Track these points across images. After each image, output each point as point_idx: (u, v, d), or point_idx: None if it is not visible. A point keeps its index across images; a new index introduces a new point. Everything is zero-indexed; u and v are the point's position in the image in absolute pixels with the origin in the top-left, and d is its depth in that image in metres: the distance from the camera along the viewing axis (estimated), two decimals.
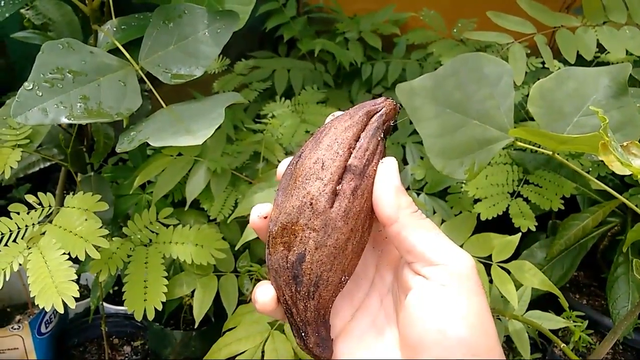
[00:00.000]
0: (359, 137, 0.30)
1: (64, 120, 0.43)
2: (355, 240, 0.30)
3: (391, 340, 0.31)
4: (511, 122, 0.54)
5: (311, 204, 0.29)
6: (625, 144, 0.41)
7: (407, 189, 0.85)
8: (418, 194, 0.83)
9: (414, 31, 1.03)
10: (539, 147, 0.57)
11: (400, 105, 0.32)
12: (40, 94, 0.44)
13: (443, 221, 0.65)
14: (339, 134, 0.30)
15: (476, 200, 0.78)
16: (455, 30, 1.00)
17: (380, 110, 0.31)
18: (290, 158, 0.32)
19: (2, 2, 0.66)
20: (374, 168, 0.30)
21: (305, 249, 0.29)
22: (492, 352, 0.27)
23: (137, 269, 0.59)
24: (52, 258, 0.48)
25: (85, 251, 0.50)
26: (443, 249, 0.28)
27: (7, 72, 1.29)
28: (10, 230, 0.52)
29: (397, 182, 0.30)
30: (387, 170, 0.30)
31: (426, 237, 0.29)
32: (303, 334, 0.30)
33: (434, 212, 0.81)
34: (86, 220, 0.52)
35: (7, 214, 0.54)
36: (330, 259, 0.29)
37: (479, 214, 0.71)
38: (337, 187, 0.29)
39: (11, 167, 0.54)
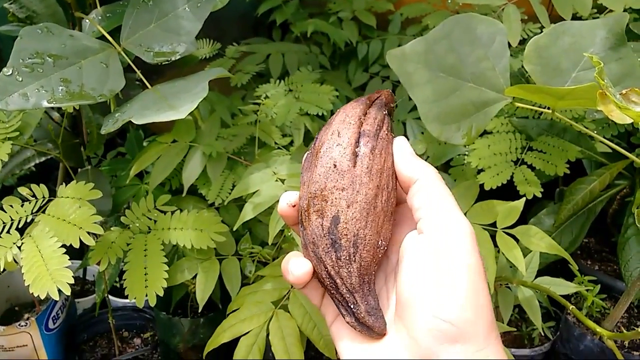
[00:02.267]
0: (367, 112, 0.33)
1: (45, 104, 0.42)
2: (384, 199, 0.31)
3: (389, 315, 0.31)
4: (507, 82, 0.53)
5: (335, 166, 0.30)
6: (624, 91, 0.40)
7: None
8: None
9: (409, 6, 1.01)
10: (541, 108, 0.55)
11: (394, 92, 0.35)
12: (20, 79, 0.43)
13: None
14: (347, 111, 0.33)
15: (479, 171, 0.76)
16: (449, 1, 0.98)
17: (380, 96, 0.35)
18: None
19: None
20: (386, 132, 0.33)
21: (338, 210, 0.30)
22: (481, 307, 0.28)
23: (137, 257, 0.59)
24: (46, 246, 0.48)
25: (81, 240, 0.50)
26: (447, 210, 0.29)
27: None
28: (4, 223, 0.51)
29: (411, 150, 0.33)
30: (401, 142, 0.33)
31: (438, 197, 0.30)
32: (352, 305, 0.30)
33: None
34: (80, 207, 0.52)
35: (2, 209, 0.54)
36: (364, 214, 0.30)
37: (482, 183, 0.69)
38: (356, 149, 0.31)
39: (2, 160, 0.54)
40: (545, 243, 0.61)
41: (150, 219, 0.63)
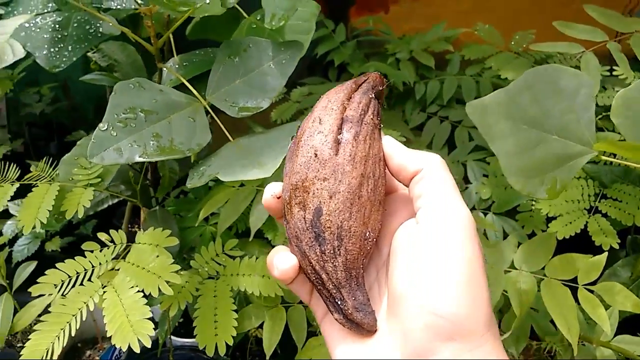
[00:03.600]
0: (351, 97, 0.31)
1: (138, 159, 0.43)
2: (369, 188, 0.29)
3: (381, 310, 0.29)
4: (593, 135, 0.51)
5: (316, 155, 0.29)
6: None
7: (473, 208, 0.81)
8: (485, 214, 0.80)
9: (469, 47, 1.00)
10: (620, 160, 0.53)
11: (385, 75, 0.33)
12: (115, 134, 0.45)
13: (519, 244, 0.61)
14: (330, 97, 0.31)
15: (549, 219, 0.73)
16: (512, 43, 0.97)
17: (367, 79, 0.32)
18: None
19: (70, 46, 0.69)
20: (371, 117, 0.31)
21: (320, 201, 0.28)
22: (479, 302, 0.26)
23: (207, 303, 0.59)
24: (127, 296, 0.48)
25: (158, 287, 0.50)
26: (447, 199, 0.28)
27: (71, 112, 1.36)
28: (85, 269, 0.53)
29: (399, 144, 0.31)
30: (389, 138, 0.31)
31: (439, 187, 0.28)
32: (339, 302, 0.29)
33: (504, 233, 0.77)
34: (157, 256, 0.52)
35: (78, 251, 0.55)
36: (347, 205, 0.28)
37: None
38: (339, 137, 0.29)
39: (84, 206, 0.55)
40: (631, 302, 0.57)
41: (219, 264, 0.64)
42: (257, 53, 0.50)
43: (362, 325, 0.28)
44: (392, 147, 0.31)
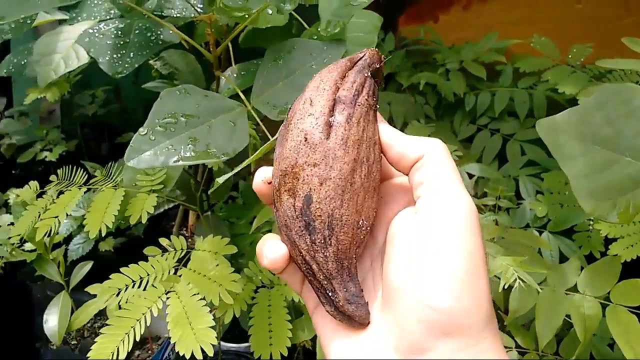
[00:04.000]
0: (345, 76, 0.29)
1: (172, 163, 0.43)
2: (363, 174, 0.27)
3: (376, 301, 0.28)
4: None
5: (306, 139, 0.27)
6: None
7: (527, 226, 0.79)
8: (540, 233, 0.78)
9: (525, 59, 0.98)
10: None
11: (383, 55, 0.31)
12: (153, 138, 0.45)
13: (582, 268, 0.59)
14: (323, 76, 0.29)
15: (608, 240, 0.71)
16: (570, 56, 0.95)
17: (363, 56, 0.30)
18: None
19: (131, 53, 0.71)
20: (365, 97, 0.29)
21: (310, 188, 0.27)
22: (479, 296, 0.24)
23: (261, 312, 0.59)
24: (190, 304, 0.49)
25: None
26: (448, 187, 0.26)
27: (121, 115, 1.40)
28: (148, 274, 0.54)
29: (395, 132, 0.29)
30: (388, 128, 0.30)
31: (442, 176, 0.27)
32: (330, 293, 0.27)
33: (560, 253, 0.75)
34: (218, 265, 0.53)
35: (130, 252, 0.56)
36: (338, 192, 0.27)
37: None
38: (330, 119, 0.28)
39: (147, 212, 0.56)
40: None
41: (273, 273, 0.64)
42: (301, 54, 0.50)
43: (353, 318, 0.27)
44: (391, 135, 0.29)
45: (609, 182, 0.49)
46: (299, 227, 0.27)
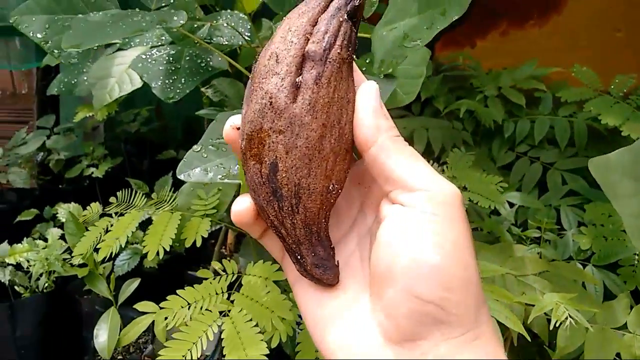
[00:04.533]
0: (317, 22, 0.26)
1: (219, 180, 0.45)
2: (333, 139, 0.26)
3: (361, 282, 0.28)
4: None
5: (271, 103, 0.25)
6: None
7: (570, 258, 0.79)
8: (584, 266, 0.77)
9: (566, 88, 0.98)
10: None
11: None
12: (206, 156, 0.47)
13: (632, 307, 0.58)
14: (292, 22, 0.26)
15: None
16: (612, 87, 0.94)
17: None
18: None
19: (183, 79, 0.73)
20: (338, 51, 0.26)
21: (276, 156, 0.25)
22: (468, 285, 0.24)
23: (308, 339, 0.60)
24: (244, 329, 0.51)
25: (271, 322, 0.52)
26: (424, 175, 0.26)
27: (162, 132, 1.44)
28: (203, 297, 0.55)
29: (376, 103, 0.26)
30: (366, 91, 0.27)
31: (406, 162, 0.26)
32: (299, 257, 0.27)
33: (605, 288, 0.74)
34: (269, 292, 0.54)
35: (173, 268, 0.58)
36: (305, 161, 0.25)
37: None
38: (297, 79, 0.25)
39: (202, 237, 0.58)
40: None
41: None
42: None
43: (322, 280, 0.27)
44: (363, 108, 0.27)
45: None
46: (266, 192, 0.26)
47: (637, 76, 0.97)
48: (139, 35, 0.78)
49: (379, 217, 0.27)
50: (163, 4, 0.66)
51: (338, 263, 0.28)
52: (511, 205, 0.89)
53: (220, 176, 0.48)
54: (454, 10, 0.49)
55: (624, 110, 0.88)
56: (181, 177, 0.48)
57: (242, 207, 0.28)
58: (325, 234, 0.28)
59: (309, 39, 0.26)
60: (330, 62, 0.25)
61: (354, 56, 0.27)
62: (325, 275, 0.27)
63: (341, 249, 0.29)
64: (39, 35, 0.67)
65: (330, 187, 0.26)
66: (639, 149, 0.52)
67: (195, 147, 0.51)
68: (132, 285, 0.76)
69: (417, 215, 0.25)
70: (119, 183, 0.97)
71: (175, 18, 0.57)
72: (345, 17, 0.26)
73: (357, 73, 0.28)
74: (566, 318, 0.49)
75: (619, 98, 0.92)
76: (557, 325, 0.49)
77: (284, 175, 0.25)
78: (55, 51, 0.68)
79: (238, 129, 0.28)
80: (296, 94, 0.25)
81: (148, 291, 0.72)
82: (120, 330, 0.70)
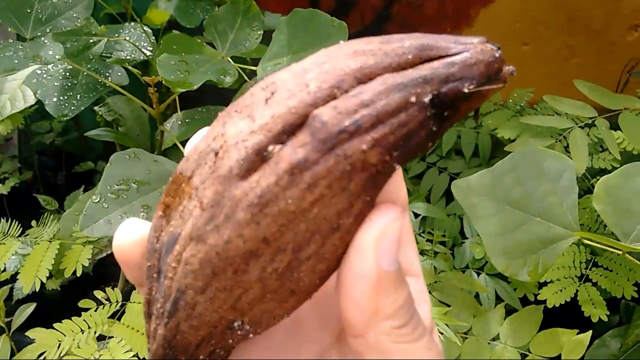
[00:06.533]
0: (372, 79, 0.15)
1: None
2: (272, 267, 0.16)
3: None
4: (576, 218, 0.52)
5: (217, 153, 0.16)
6: None
7: (466, 267, 0.83)
8: (478, 274, 0.81)
9: None
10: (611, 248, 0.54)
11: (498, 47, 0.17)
12: (106, 206, 0.46)
13: (507, 312, 0.62)
14: (333, 56, 0.16)
15: (541, 284, 0.74)
16: (510, 100, 0.99)
17: (457, 54, 0.16)
18: None
19: (79, 95, 0.72)
20: (364, 147, 0.15)
21: (181, 231, 0.16)
22: None
23: None
24: None
25: None
26: None
27: (80, 142, 1.40)
28: (82, 330, 0.54)
29: (387, 263, 0.16)
30: (375, 232, 0.16)
31: None
32: (149, 343, 0.18)
33: (497, 296, 0.78)
34: None
35: (78, 290, 0.57)
36: (206, 271, 0.16)
37: (545, 306, 0.67)
38: (271, 148, 0.15)
39: (83, 265, 0.57)
40: None
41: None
42: None
43: None
44: (361, 268, 0.16)
45: (520, 242, 0.52)
46: (154, 263, 0.17)
47: (537, 86, 1.02)
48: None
49: None
50: (38, 34, 0.63)
51: None
52: (416, 215, 0.92)
53: None
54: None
55: (518, 124, 0.93)
56: (85, 232, 0.45)
57: (129, 238, 0.18)
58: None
59: (335, 97, 0.15)
60: (338, 155, 0.15)
61: (402, 168, 0.17)
62: None
63: None
64: None
65: (236, 325, 0.17)
66: (498, 171, 0.55)
67: (93, 197, 0.49)
68: (26, 311, 0.73)
69: None
70: (29, 199, 0.93)
71: (50, 52, 0.56)
72: (427, 101, 0.15)
73: (393, 191, 0.18)
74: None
75: (515, 112, 0.97)
76: None
77: (172, 265, 0.16)
78: None
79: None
80: (255, 168, 0.15)
81: (51, 315, 0.70)
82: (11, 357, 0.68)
